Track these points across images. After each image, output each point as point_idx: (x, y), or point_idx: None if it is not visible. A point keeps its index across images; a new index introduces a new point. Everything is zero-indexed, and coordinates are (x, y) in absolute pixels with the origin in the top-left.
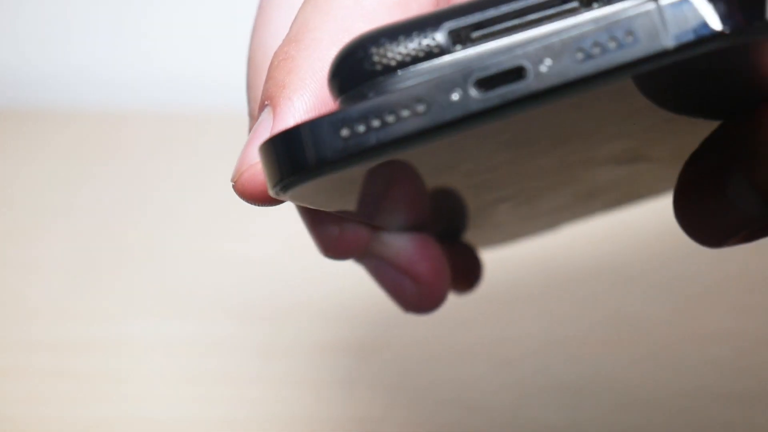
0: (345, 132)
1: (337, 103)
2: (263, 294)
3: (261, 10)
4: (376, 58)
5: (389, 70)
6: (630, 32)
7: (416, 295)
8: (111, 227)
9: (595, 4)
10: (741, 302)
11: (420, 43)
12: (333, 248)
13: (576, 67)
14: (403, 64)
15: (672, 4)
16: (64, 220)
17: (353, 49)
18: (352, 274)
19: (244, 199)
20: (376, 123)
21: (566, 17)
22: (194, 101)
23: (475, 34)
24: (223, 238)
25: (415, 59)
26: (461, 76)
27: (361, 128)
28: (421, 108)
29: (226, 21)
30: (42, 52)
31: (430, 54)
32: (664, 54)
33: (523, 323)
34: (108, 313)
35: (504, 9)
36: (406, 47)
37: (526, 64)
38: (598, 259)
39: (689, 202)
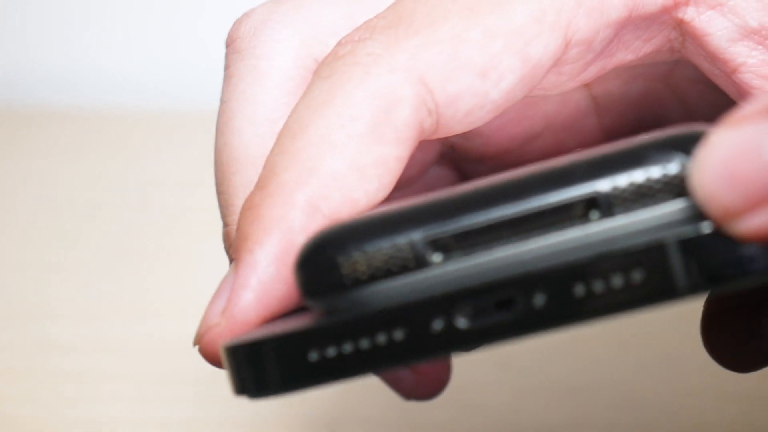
0: (313, 355)
1: (304, 303)
2: None
3: (224, 105)
4: (344, 271)
5: (357, 283)
6: (640, 270)
7: (414, 384)
8: (111, 227)
9: (616, 213)
10: None
11: (393, 255)
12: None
13: (572, 306)
14: (373, 278)
15: (687, 242)
16: (64, 220)
17: (316, 253)
18: None
19: (208, 362)
20: (348, 348)
21: (565, 229)
22: (194, 101)
23: (458, 245)
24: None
25: (388, 273)
26: (445, 303)
27: (332, 352)
28: (399, 335)
29: (227, 21)
30: (42, 52)
31: (404, 268)
32: (675, 297)
33: None
34: (108, 313)
35: (494, 215)
36: (376, 259)
37: (518, 296)
38: None
39: (720, 336)
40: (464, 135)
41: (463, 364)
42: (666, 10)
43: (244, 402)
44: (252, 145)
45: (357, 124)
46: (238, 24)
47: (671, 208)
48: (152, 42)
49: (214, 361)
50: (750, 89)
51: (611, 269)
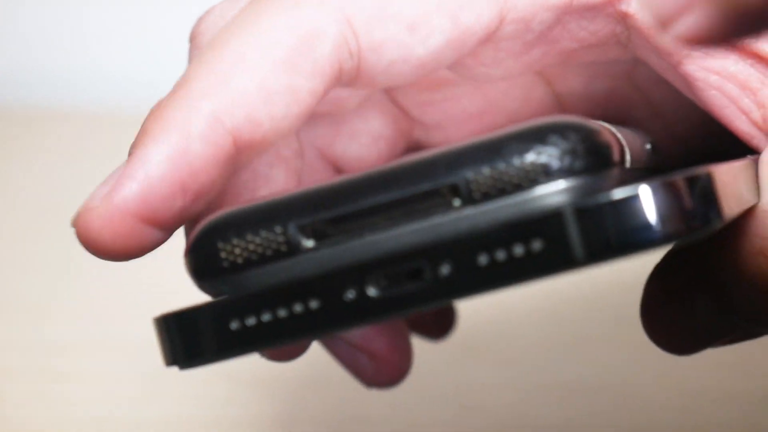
0: (235, 325)
1: (198, 287)
2: None
3: None
4: (223, 255)
5: (239, 268)
6: (536, 239)
7: (374, 371)
8: None
9: (477, 200)
10: None
11: (268, 241)
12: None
13: (479, 272)
14: (252, 263)
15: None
16: (64, 220)
17: (201, 239)
18: None
19: (84, 247)
20: (267, 317)
21: (439, 213)
22: None
23: (332, 229)
24: None
25: (263, 258)
26: (355, 272)
27: (252, 321)
28: (314, 304)
29: None
30: (42, 52)
31: (278, 253)
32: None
33: (523, 323)
34: (108, 313)
35: (365, 202)
36: (252, 245)
37: (425, 266)
38: None
39: (657, 318)
40: (427, 131)
41: (464, 364)
42: (609, 2)
43: (245, 402)
44: None
45: (275, 49)
46: (199, 21)
47: (530, 195)
48: (152, 42)
49: (88, 244)
50: (695, 81)
51: (511, 238)
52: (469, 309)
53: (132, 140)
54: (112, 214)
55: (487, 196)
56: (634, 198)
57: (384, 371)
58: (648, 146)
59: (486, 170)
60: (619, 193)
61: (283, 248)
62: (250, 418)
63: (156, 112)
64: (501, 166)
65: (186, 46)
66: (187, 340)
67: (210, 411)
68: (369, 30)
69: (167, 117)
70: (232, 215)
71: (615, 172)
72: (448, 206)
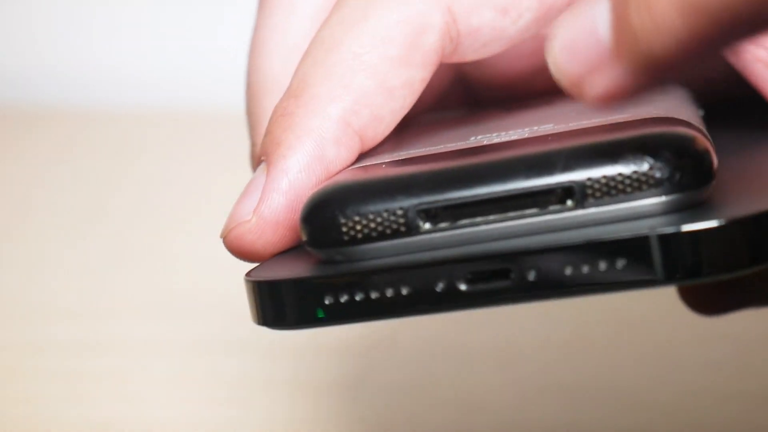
0: (328, 300)
1: (308, 250)
2: None
3: (257, 31)
4: (344, 229)
5: (358, 242)
6: (621, 257)
7: None
8: (112, 227)
9: (589, 204)
10: None
11: (388, 221)
12: None
13: (563, 280)
14: (370, 239)
15: (667, 235)
16: (64, 220)
17: (318, 210)
18: None
19: (233, 255)
20: (359, 296)
21: (553, 213)
22: (195, 101)
23: (446, 216)
24: None
25: (383, 236)
26: (446, 267)
27: (345, 298)
28: (405, 291)
29: (227, 20)
30: (42, 52)
31: (398, 233)
32: (655, 284)
33: (523, 323)
34: (108, 313)
35: (483, 191)
36: (373, 223)
37: (513, 268)
38: None
39: (694, 287)
40: (477, 66)
41: (464, 364)
42: None
43: (245, 402)
44: (281, 70)
45: (389, 46)
46: None
47: (640, 204)
48: (153, 42)
49: (239, 254)
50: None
51: (597, 255)
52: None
53: (131, 139)
54: (264, 227)
55: (597, 201)
56: (714, 230)
57: None
58: (701, 113)
59: (602, 176)
60: (696, 225)
61: (402, 229)
62: (252, 418)
63: (285, 120)
64: (616, 173)
65: (187, 46)
66: (278, 306)
67: (212, 412)
68: (467, 17)
69: (299, 125)
70: (353, 188)
71: (712, 185)
72: (562, 205)
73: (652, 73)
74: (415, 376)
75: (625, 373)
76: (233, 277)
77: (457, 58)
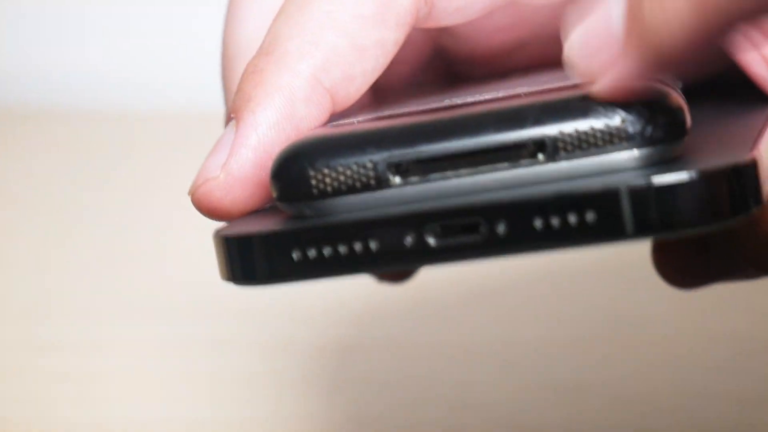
0: (296, 254)
1: (280, 208)
2: (262, 294)
3: (231, 2)
4: (313, 182)
5: (327, 195)
6: (591, 210)
7: None
8: (110, 227)
9: (560, 157)
10: (742, 303)
11: (357, 174)
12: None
13: (533, 234)
14: (340, 192)
15: (638, 187)
16: (63, 220)
17: (289, 163)
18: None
19: (201, 213)
20: (328, 251)
21: (524, 166)
22: (193, 102)
23: (419, 170)
24: None
25: (353, 189)
26: (415, 221)
27: (313, 253)
28: (373, 245)
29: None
30: (42, 52)
31: (368, 186)
32: (624, 238)
33: (523, 323)
34: (108, 313)
35: (454, 145)
36: (343, 176)
37: (482, 222)
38: (599, 259)
39: (669, 254)
40: (456, 40)
41: (464, 364)
42: None
43: (245, 403)
44: (256, 35)
45: (361, 5)
46: None
47: (612, 158)
48: (152, 43)
49: (207, 212)
50: None
51: (567, 208)
52: (469, 309)
53: (130, 139)
54: (232, 183)
55: (569, 155)
56: (685, 183)
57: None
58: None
59: (573, 129)
60: (667, 178)
61: (372, 182)
62: (251, 418)
63: (255, 75)
64: (586, 126)
65: (185, 48)
66: (246, 261)
67: (208, 412)
68: None
69: (269, 81)
70: (323, 141)
71: (685, 141)
72: (533, 160)
73: (661, 66)
74: (413, 375)
75: (625, 373)
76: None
77: (432, 23)
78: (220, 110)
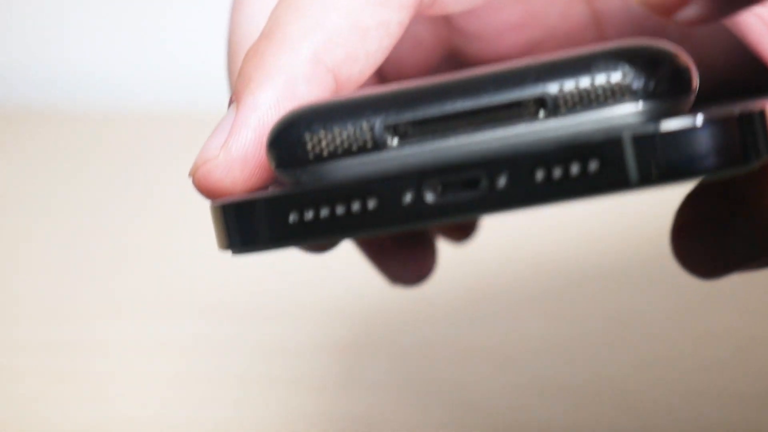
0: (293, 217)
1: (279, 178)
2: (262, 294)
3: None
4: (309, 146)
5: (324, 159)
6: (594, 159)
7: (400, 268)
8: (108, 227)
9: (562, 113)
10: (742, 302)
11: (354, 136)
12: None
13: (534, 187)
14: (337, 155)
15: (643, 136)
16: (62, 220)
17: (286, 129)
18: (353, 274)
19: (201, 194)
20: (325, 212)
21: (525, 122)
22: (193, 103)
23: (417, 132)
24: None
25: (349, 152)
26: (414, 178)
27: (310, 215)
28: (371, 204)
29: (222, 25)
30: (41, 52)
31: (365, 149)
32: (629, 187)
33: (523, 323)
34: (108, 313)
35: (454, 106)
36: (339, 138)
37: (482, 177)
38: (599, 259)
39: (688, 240)
40: (466, 39)
41: (464, 364)
42: None
43: (245, 403)
44: (262, 22)
45: None
46: None
47: (615, 111)
48: (152, 44)
49: (207, 192)
50: None
51: (569, 158)
52: (470, 309)
53: (129, 140)
54: (231, 163)
55: (571, 110)
56: (694, 128)
57: (410, 269)
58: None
59: (573, 85)
60: (674, 124)
61: (369, 144)
62: (251, 419)
63: (255, 58)
64: (587, 82)
65: (185, 49)
66: (244, 227)
67: (208, 412)
68: None
69: (270, 62)
70: (319, 107)
71: (690, 98)
72: (533, 117)
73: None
74: (414, 375)
75: (625, 373)
76: (233, 277)
77: (438, 9)
78: (221, 111)
